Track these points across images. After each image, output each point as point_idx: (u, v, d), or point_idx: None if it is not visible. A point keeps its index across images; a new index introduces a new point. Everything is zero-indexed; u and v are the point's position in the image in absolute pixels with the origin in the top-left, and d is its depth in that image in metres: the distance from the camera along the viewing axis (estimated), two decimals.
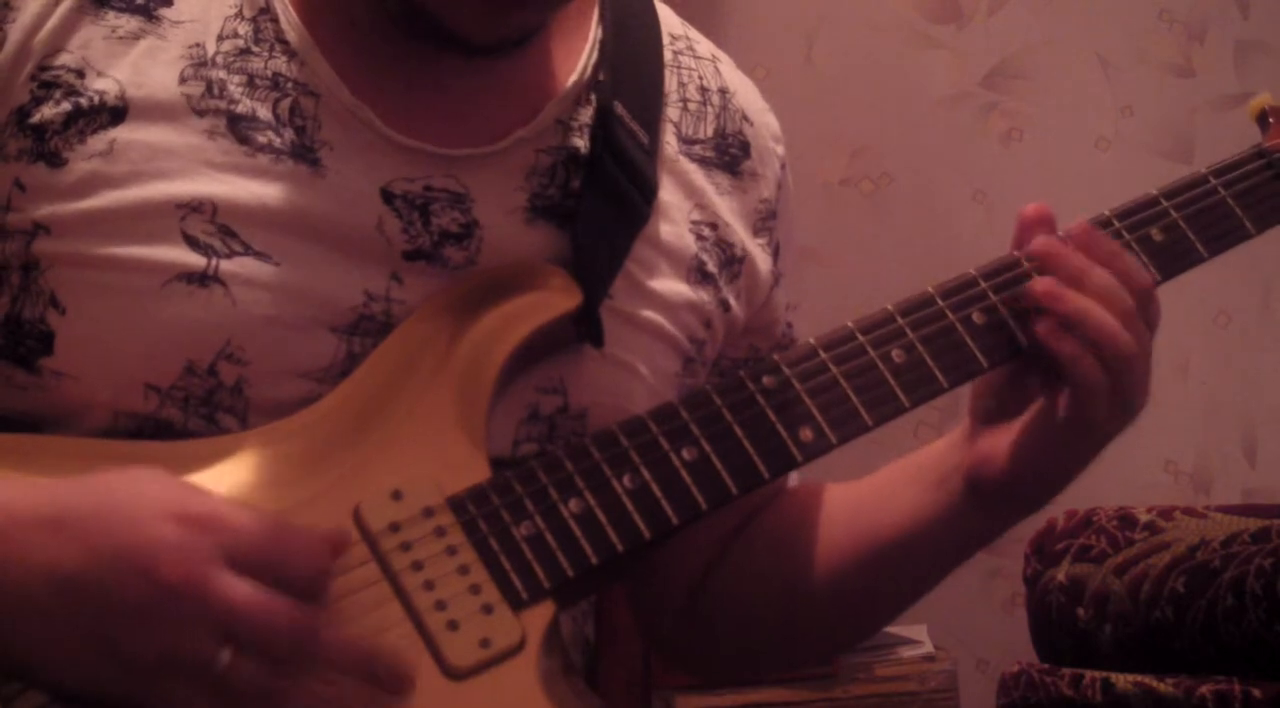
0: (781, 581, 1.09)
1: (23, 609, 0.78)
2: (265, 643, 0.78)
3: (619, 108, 1.01)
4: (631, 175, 1.00)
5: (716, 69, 1.11)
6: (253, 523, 0.81)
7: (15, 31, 0.91)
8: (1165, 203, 1.04)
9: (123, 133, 0.91)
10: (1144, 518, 2.22)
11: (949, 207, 2.93)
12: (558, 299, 0.96)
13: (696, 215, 1.05)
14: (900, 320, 0.98)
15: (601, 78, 1.02)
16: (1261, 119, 1.14)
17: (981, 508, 1.01)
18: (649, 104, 1.04)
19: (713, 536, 1.10)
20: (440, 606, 0.86)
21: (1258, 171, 1.08)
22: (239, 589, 0.78)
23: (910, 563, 1.06)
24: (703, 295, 1.04)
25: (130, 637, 0.77)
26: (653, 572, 1.11)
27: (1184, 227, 1.04)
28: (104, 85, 0.91)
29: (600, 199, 0.99)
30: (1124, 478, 2.45)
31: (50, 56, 0.91)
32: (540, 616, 0.88)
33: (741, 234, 1.07)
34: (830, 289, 2.55)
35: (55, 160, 0.90)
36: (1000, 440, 0.98)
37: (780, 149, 1.13)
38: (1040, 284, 0.97)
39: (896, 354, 0.97)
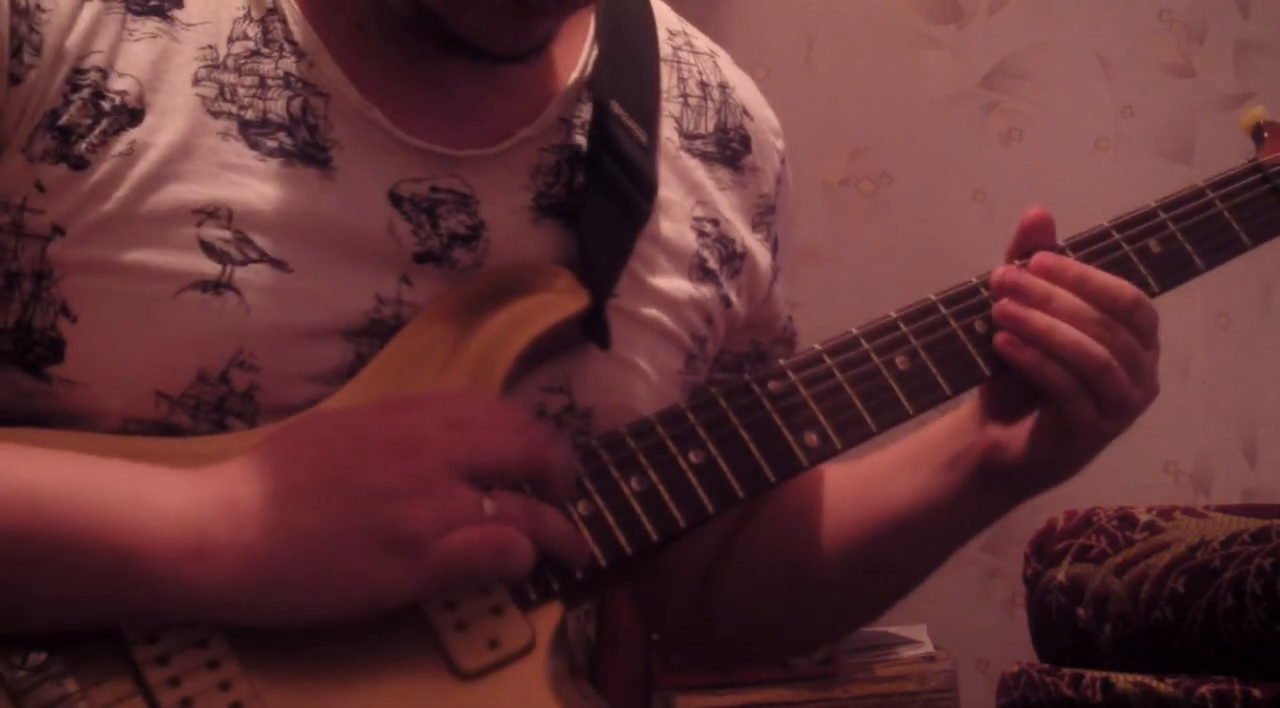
0: (786, 566, 1.10)
1: (300, 495, 0.83)
2: (529, 471, 0.87)
3: (615, 106, 1.01)
4: (631, 173, 1.00)
5: (715, 64, 1.12)
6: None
7: (51, 34, 0.90)
8: (1164, 215, 1.06)
9: (140, 135, 0.91)
10: (1144, 518, 2.22)
11: (949, 207, 2.93)
12: (564, 301, 0.96)
13: (698, 212, 1.05)
14: (904, 328, 0.99)
15: (597, 76, 1.02)
16: (1256, 134, 1.15)
17: (990, 491, 1.03)
18: (646, 101, 1.04)
19: (717, 527, 1.11)
20: (450, 606, 0.87)
21: (1253, 186, 1.10)
22: (494, 433, 0.88)
23: (913, 545, 1.07)
24: (704, 292, 1.05)
25: (406, 507, 0.83)
26: (657, 563, 1.12)
27: (1181, 239, 1.06)
28: (124, 86, 0.91)
29: (602, 198, 0.99)
30: (1124, 478, 2.46)
31: (82, 59, 0.91)
32: (548, 617, 0.89)
33: (742, 230, 1.08)
34: (831, 289, 2.56)
35: (79, 163, 0.90)
36: (1014, 430, 1.01)
37: (780, 143, 1.13)
38: (999, 307, 1.01)
39: (900, 361, 0.99)
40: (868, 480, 1.09)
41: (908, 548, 1.07)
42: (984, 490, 1.03)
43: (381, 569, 0.83)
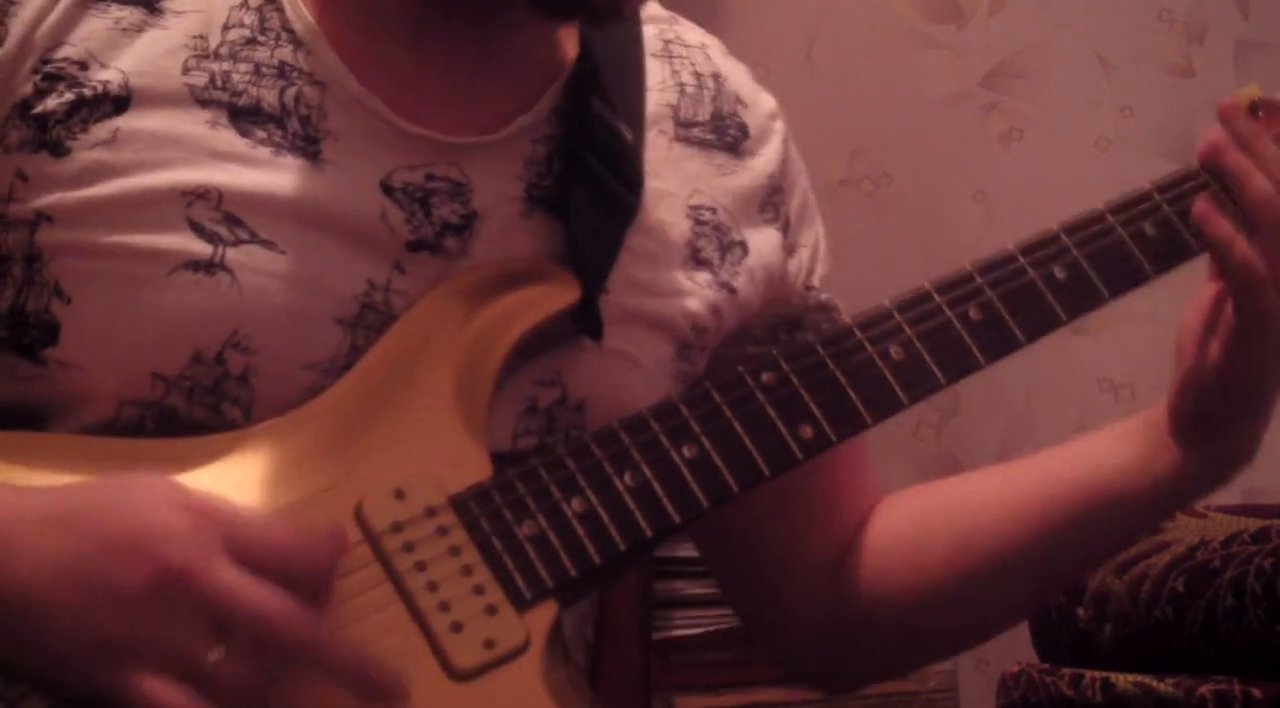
0: (951, 547, 1.07)
1: (25, 597, 0.78)
2: (261, 640, 0.78)
3: (596, 103, 1.01)
4: (614, 170, 1.01)
5: (706, 55, 1.12)
6: (256, 518, 0.81)
7: (17, 25, 0.91)
8: (1158, 197, 1.05)
9: (126, 121, 0.91)
10: None
11: (949, 207, 2.93)
12: (556, 293, 0.96)
13: (695, 200, 1.05)
14: (898, 317, 0.99)
15: (577, 73, 1.02)
16: (1250, 111, 1.14)
17: (1185, 446, 0.99)
18: (631, 96, 1.05)
19: (836, 519, 1.09)
20: (444, 607, 0.87)
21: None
22: (241, 581, 0.78)
23: (1104, 518, 1.03)
24: (702, 280, 1.05)
25: (124, 621, 0.77)
26: (765, 580, 1.10)
27: (1176, 223, 1.04)
28: (107, 76, 0.91)
29: (587, 194, 0.99)
30: None
31: (53, 49, 0.91)
32: (543, 615, 0.89)
33: (745, 215, 1.08)
34: (831, 290, 2.55)
35: (58, 149, 0.90)
36: (1200, 364, 0.97)
37: (778, 125, 1.13)
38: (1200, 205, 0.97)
39: (895, 351, 0.98)
40: (1049, 458, 1.06)
41: (1094, 521, 1.03)
42: (1175, 449, 0.99)
43: (78, 660, 0.78)
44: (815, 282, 1.14)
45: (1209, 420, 0.99)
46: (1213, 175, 0.97)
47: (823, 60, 2.93)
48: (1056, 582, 1.10)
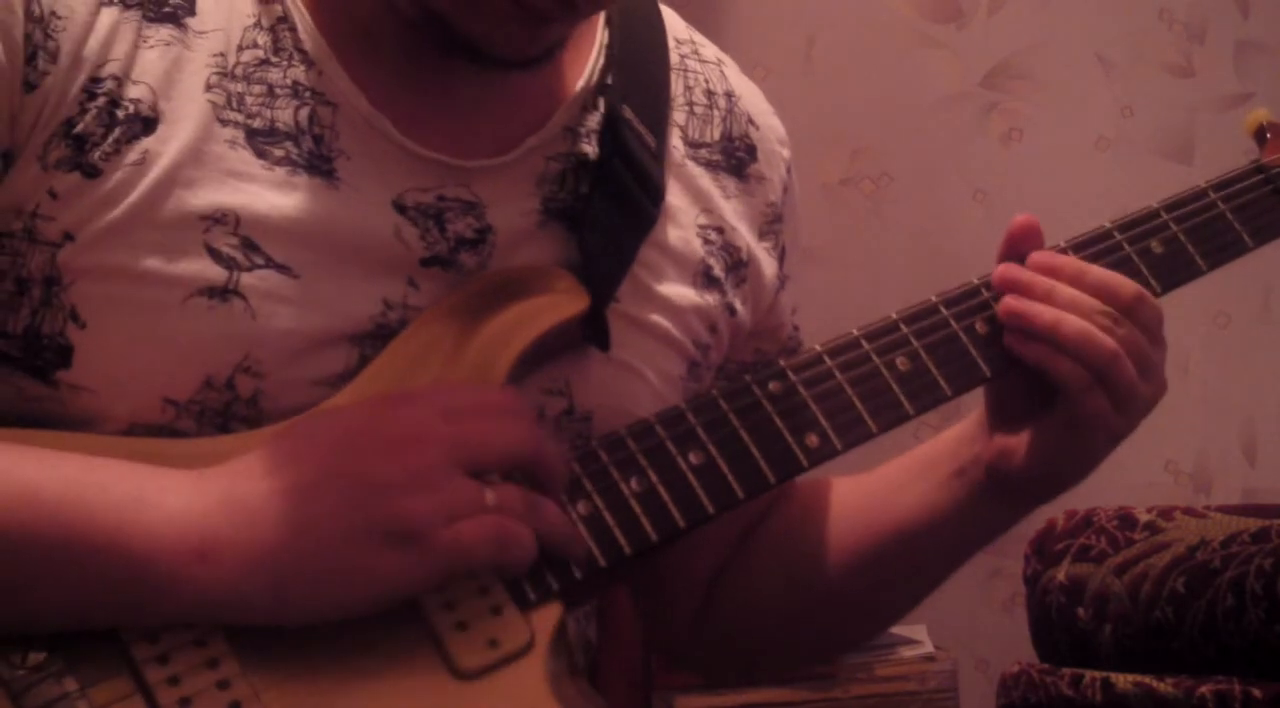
0: (791, 579, 1.10)
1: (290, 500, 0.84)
2: (517, 461, 0.88)
3: (627, 111, 1.01)
4: (640, 179, 1.01)
5: (722, 73, 1.12)
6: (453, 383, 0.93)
7: (67, 41, 0.90)
8: (1165, 216, 1.06)
9: (153, 144, 0.90)
10: (1144, 518, 2.22)
11: (949, 207, 2.93)
12: (565, 302, 0.96)
13: (704, 219, 1.06)
14: (905, 329, 0.99)
15: (610, 82, 1.02)
16: (1259, 134, 1.15)
17: (1001, 499, 1.03)
18: (656, 108, 1.05)
19: (719, 539, 1.11)
20: (449, 606, 0.87)
21: (1256, 186, 1.11)
22: (479, 421, 0.88)
23: (921, 556, 1.07)
24: (709, 299, 1.05)
25: (412, 500, 0.84)
26: (660, 577, 1.12)
27: (1184, 240, 1.06)
28: (138, 93, 0.91)
29: (608, 203, 0.99)
30: (1124, 478, 2.45)
31: (100, 66, 0.90)
32: (548, 617, 0.89)
33: (748, 238, 1.08)
34: (831, 289, 2.56)
35: (91, 171, 0.89)
36: (1019, 436, 1.01)
37: (786, 152, 1.13)
38: (1004, 304, 1.00)
39: (901, 362, 0.99)
40: (874, 492, 1.09)
41: (913, 560, 1.07)
42: (991, 500, 1.03)
43: (384, 563, 0.83)
44: (797, 321, 1.15)
45: (1027, 489, 1.03)
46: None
47: (823, 60, 2.93)
48: (884, 616, 1.17)
